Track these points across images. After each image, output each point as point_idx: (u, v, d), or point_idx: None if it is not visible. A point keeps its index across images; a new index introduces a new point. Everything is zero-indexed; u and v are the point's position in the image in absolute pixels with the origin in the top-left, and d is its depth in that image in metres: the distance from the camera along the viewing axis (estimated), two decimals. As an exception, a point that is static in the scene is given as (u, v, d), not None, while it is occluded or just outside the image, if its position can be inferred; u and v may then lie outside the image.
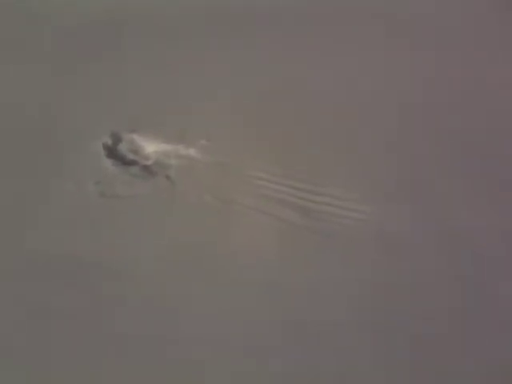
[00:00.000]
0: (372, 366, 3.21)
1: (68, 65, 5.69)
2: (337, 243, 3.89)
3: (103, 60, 5.77)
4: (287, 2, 6.70)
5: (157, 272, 3.68)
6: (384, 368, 3.21)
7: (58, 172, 4.38)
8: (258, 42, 5.99)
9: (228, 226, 4.03)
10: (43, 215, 4.06)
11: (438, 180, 4.40)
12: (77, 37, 6.11)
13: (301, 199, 4.23)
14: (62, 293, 3.52)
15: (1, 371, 3.16)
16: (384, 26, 6.34)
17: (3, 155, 4.53)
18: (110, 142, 4.72)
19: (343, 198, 4.23)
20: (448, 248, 3.89)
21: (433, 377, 3.18)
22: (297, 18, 6.52)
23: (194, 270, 3.69)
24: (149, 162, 4.57)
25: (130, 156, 4.63)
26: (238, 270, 3.70)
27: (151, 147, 4.68)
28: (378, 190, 4.29)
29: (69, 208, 4.11)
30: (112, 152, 4.65)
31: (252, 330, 3.35)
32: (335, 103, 5.14)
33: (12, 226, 3.98)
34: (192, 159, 4.58)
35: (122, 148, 4.69)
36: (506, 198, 4.28)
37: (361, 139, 4.80)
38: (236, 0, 6.65)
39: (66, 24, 6.28)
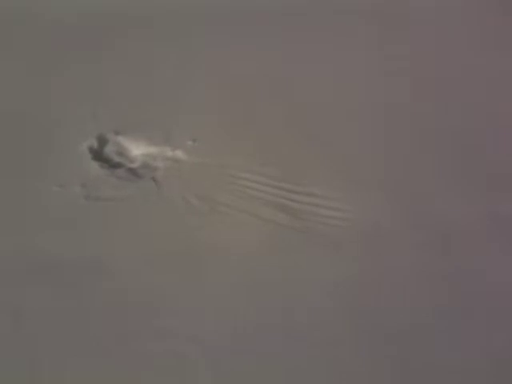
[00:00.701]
0: (363, 363, 3.22)
1: (53, 66, 5.82)
2: (323, 243, 3.93)
3: (89, 61, 5.90)
4: (287, 2, 6.91)
5: (142, 274, 3.71)
6: (373, 365, 3.22)
7: (44, 174, 4.44)
8: (245, 43, 6.18)
9: (214, 227, 4.06)
10: (27, 217, 4.12)
11: (426, 178, 4.47)
12: (62, 37, 6.28)
13: (288, 200, 4.27)
14: (46, 295, 3.55)
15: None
16: (383, 26, 6.55)
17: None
18: (96, 144, 4.79)
19: (330, 197, 4.27)
20: (436, 244, 3.93)
21: (421, 370, 3.19)
22: (293, 16, 6.76)
23: (180, 272, 3.72)
24: (135, 165, 4.65)
25: (116, 158, 4.71)
26: (225, 271, 3.74)
27: (137, 149, 4.78)
28: (364, 190, 4.33)
29: (54, 210, 4.15)
30: (98, 154, 4.72)
31: (238, 331, 3.37)
32: (325, 103, 5.27)
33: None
34: (178, 161, 4.64)
35: (108, 150, 4.78)
36: (495, 193, 4.36)
37: (348, 139, 4.88)
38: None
39: (54, 24, 6.45)
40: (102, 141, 4.84)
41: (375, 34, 6.46)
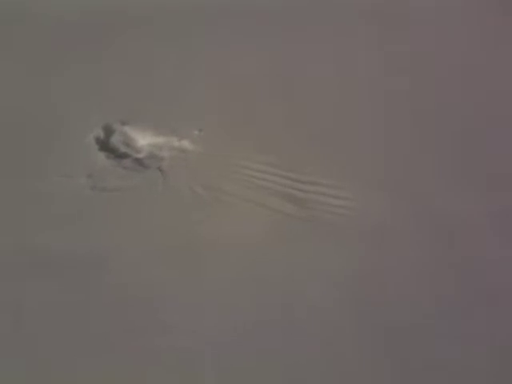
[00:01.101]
0: (363, 358, 3.31)
1: (53, 66, 5.95)
2: (328, 233, 4.03)
3: (89, 61, 6.04)
4: (287, 2, 7.08)
5: (149, 264, 3.80)
6: (374, 360, 3.30)
7: (50, 165, 4.55)
8: (245, 42, 6.33)
9: (220, 217, 4.16)
10: (35, 209, 4.22)
11: (426, 178, 4.56)
12: (68, 31, 6.46)
13: (295, 189, 4.40)
14: (52, 286, 3.65)
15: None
16: (383, 26, 6.70)
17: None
18: (102, 134, 4.91)
19: (335, 187, 4.39)
20: (438, 237, 4.04)
21: (422, 366, 3.27)
22: (293, 15, 6.92)
23: (185, 262, 3.81)
24: (141, 155, 4.76)
25: (123, 149, 4.83)
26: (231, 261, 3.83)
27: (144, 140, 4.90)
28: (365, 190, 4.41)
29: (60, 202, 4.25)
30: (104, 145, 4.83)
31: (242, 324, 3.45)
32: (325, 103, 5.42)
33: (1, 221, 4.13)
34: (184, 151, 4.76)
35: (115, 140, 4.90)
36: (495, 193, 4.47)
37: (348, 139, 5.00)
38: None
39: (59, 19, 6.61)
40: (109, 131, 4.96)
41: (375, 34, 6.59)
